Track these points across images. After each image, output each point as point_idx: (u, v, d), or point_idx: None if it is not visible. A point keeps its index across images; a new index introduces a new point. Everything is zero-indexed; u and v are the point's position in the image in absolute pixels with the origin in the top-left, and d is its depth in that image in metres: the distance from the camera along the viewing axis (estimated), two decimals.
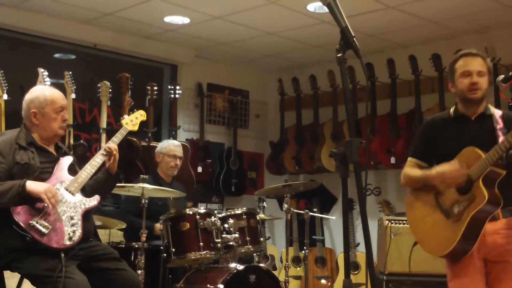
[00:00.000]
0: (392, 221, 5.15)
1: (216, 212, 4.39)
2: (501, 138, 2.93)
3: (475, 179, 2.90)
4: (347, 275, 1.88)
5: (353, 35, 1.96)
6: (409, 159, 3.23)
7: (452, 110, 3.20)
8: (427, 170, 3.11)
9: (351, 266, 6.09)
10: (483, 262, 2.96)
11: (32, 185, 3.11)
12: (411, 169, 3.18)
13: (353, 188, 1.93)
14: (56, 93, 3.39)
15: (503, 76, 2.84)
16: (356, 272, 6.04)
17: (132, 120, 3.72)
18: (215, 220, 4.20)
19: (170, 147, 4.92)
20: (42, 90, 3.39)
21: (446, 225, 2.99)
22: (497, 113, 3.09)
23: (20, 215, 3.08)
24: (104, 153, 3.44)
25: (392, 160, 5.91)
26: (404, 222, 5.12)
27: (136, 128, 3.73)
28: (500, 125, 3.02)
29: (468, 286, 2.93)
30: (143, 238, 4.02)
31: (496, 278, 2.95)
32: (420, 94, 5.85)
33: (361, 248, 6.16)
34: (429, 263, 4.59)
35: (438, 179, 3.01)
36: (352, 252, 6.11)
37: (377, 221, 5.38)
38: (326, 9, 2.03)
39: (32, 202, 3.11)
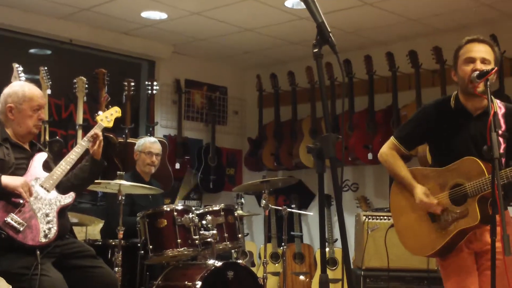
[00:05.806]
0: (370, 217, 5.19)
1: (194, 208, 4.37)
2: (503, 146, 2.73)
3: (472, 196, 2.76)
4: (323, 270, 1.89)
5: (329, 30, 1.96)
6: (392, 139, 3.06)
7: (453, 100, 2.94)
8: (411, 178, 2.96)
9: (329, 261, 6.12)
10: (474, 256, 2.89)
11: (8, 180, 3.08)
12: (395, 160, 3.02)
13: (331, 184, 1.93)
14: (35, 91, 3.37)
15: (477, 72, 2.80)
16: (334, 267, 6.07)
17: (107, 117, 3.68)
18: (192, 217, 4.18)
19: (146, 144, 4.89)
20: (22, 86, 3.37)
21: (430, 229, 2.92)
22: (501, 110, 2.85)
23: None
24: (86, 141, 3.43)
25: (370, 156, 5.94)
26: (381, 217, 5.16)
27: (111, 124, 3.69)
28: (502, 127, 2.79)
29: (465, 284, 2.84)
30: (120, 235, 3.99)
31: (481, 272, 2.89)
32: (397, 91, 5.90)
33: (339, 244, 6.19)
34: (406, 259, 4.63)
35: (418, 203, 2.92)
36: (330, 248, 6.14)
37: (355, 217, 5.41)
38: (303, 5, 2.02)
39: (7, 197, 3.08)
